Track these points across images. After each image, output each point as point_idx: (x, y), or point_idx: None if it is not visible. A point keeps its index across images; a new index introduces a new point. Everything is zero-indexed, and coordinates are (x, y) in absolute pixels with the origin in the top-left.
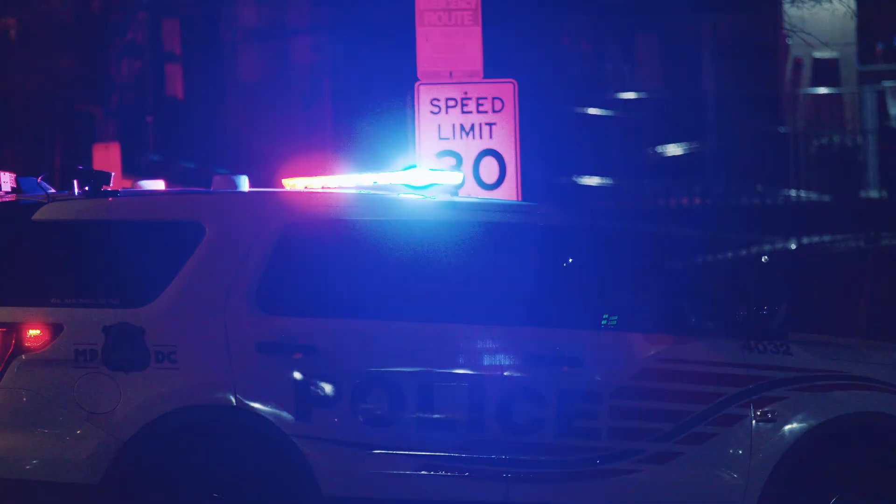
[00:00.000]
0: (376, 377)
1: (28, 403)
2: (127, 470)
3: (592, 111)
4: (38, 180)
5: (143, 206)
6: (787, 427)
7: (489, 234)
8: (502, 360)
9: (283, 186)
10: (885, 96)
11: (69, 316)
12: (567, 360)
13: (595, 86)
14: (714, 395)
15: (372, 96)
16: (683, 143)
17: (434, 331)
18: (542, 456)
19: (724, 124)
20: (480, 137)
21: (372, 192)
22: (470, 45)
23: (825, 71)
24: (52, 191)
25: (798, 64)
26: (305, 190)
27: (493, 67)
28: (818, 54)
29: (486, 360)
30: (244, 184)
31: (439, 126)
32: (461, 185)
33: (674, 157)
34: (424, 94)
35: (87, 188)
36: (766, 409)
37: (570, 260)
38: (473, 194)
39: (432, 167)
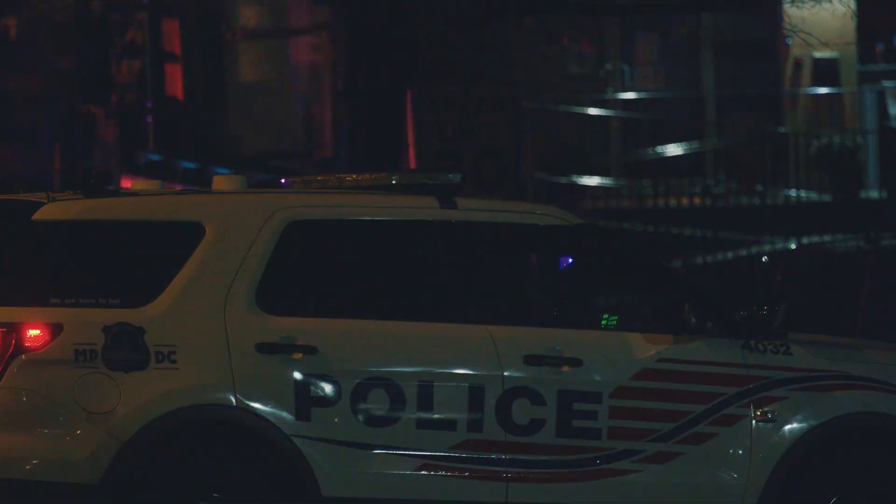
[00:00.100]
0: (376, 377)
1: (28, 403)
2: (127, 470)
3: (592, 111)
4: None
5: (143, 206)
6: (787, 427)
7: (490, 234)
8: (502, 359)
9: (283, 186)
10: (885, 96)
11: (69, 316)
12: (567, 360)
13: (595, 86)
14: (714, 395)
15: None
16: (683, 143)
17: (434, 331)
18: (543, 456)
19: (724, 124)
20: (480, 137)
21: (372, 191)
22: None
23: (825, 71)
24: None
25: (798, 64)
26: (305, 190)
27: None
28: (818, 54)
29: (487, 360)
30: (244, 184)
31: (439, 126)
32: (461, 185)
33: (674, 157)
34: (424, 95)
35: (87, 188)
36: (766, 409)
37: (571, 260)
38: (473, 194)
39: (432, 167)
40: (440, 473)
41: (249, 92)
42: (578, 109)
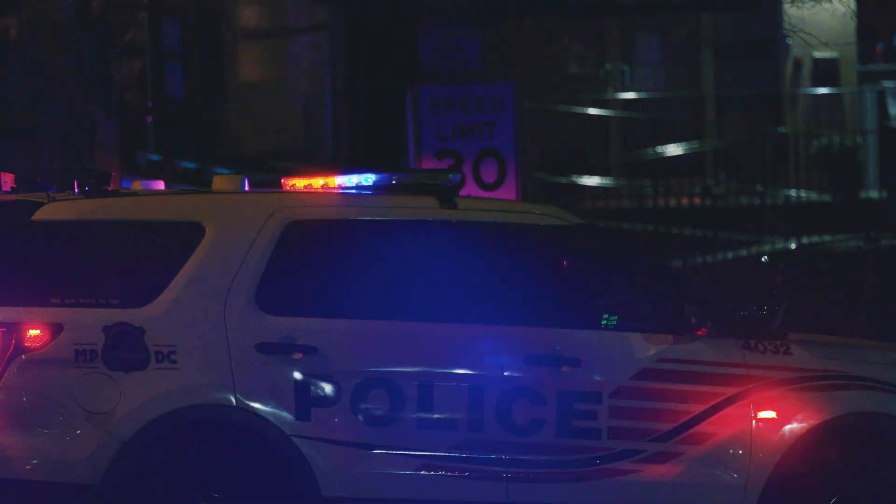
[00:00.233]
0: (376, 377)
1: (28, 403)
2: (127, 470)
3: (592, 111)
4: (38, 180)
5: (143, 206)
6: (787, 427)
7: (490, 234)
8: (502, 359)
9: (283, 186)
10: (885, 96)
11: (69, 316)
12: (567, 360)
13: (595, 86)
14: (714, 395)
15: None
16: (683, 143)
17: (434, 330)
18: (542, 456)
19: (723, 124)
20: (480, 137)
21: (372, 191)
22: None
23: (825, 71)
24: (53, 190)
25: (798, 64)
26: (305, 190)
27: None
28: (818, 54)
29: (487, 360)
30: (244, 184)
31: (439, 126)
32: (461, 185)
33: (674, 157)
34: (424, 95)
35: (87, 188)
36: (766, 409)
37: (570, 260)
38: (473, 194)
39: (432, 167)
40: (440, 473)
41: (249, 92)
42: (578, 109)
